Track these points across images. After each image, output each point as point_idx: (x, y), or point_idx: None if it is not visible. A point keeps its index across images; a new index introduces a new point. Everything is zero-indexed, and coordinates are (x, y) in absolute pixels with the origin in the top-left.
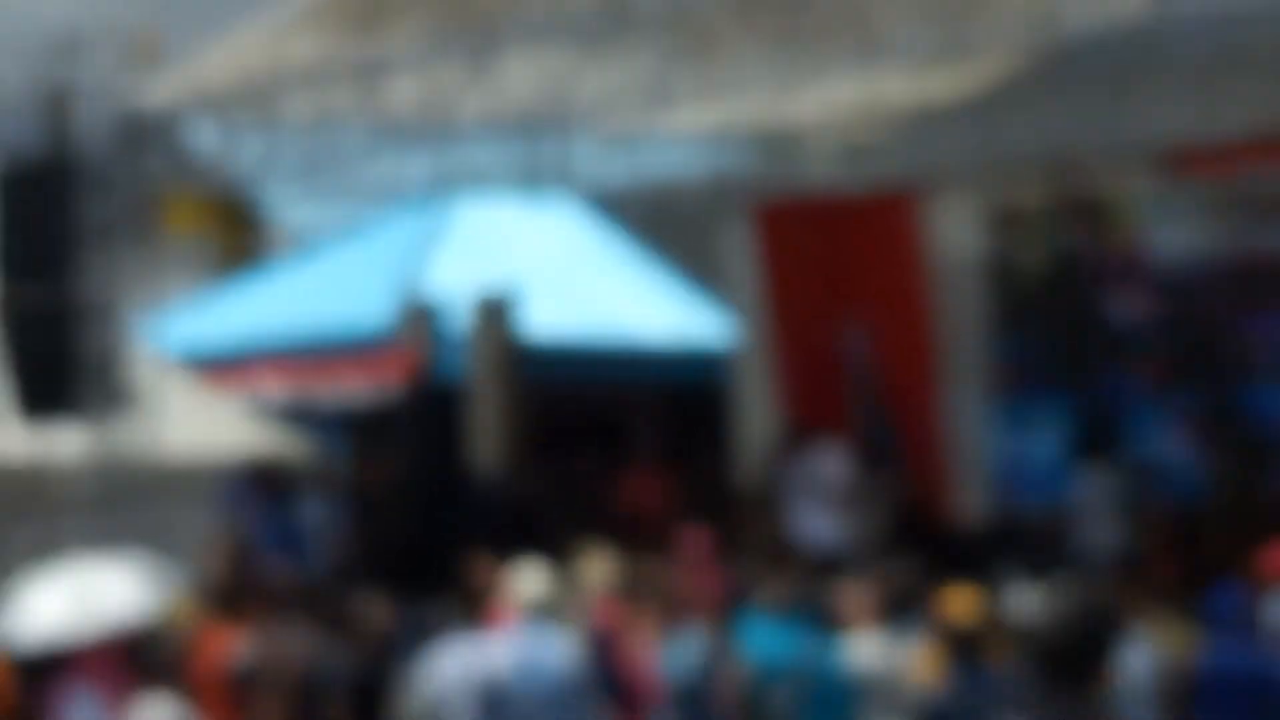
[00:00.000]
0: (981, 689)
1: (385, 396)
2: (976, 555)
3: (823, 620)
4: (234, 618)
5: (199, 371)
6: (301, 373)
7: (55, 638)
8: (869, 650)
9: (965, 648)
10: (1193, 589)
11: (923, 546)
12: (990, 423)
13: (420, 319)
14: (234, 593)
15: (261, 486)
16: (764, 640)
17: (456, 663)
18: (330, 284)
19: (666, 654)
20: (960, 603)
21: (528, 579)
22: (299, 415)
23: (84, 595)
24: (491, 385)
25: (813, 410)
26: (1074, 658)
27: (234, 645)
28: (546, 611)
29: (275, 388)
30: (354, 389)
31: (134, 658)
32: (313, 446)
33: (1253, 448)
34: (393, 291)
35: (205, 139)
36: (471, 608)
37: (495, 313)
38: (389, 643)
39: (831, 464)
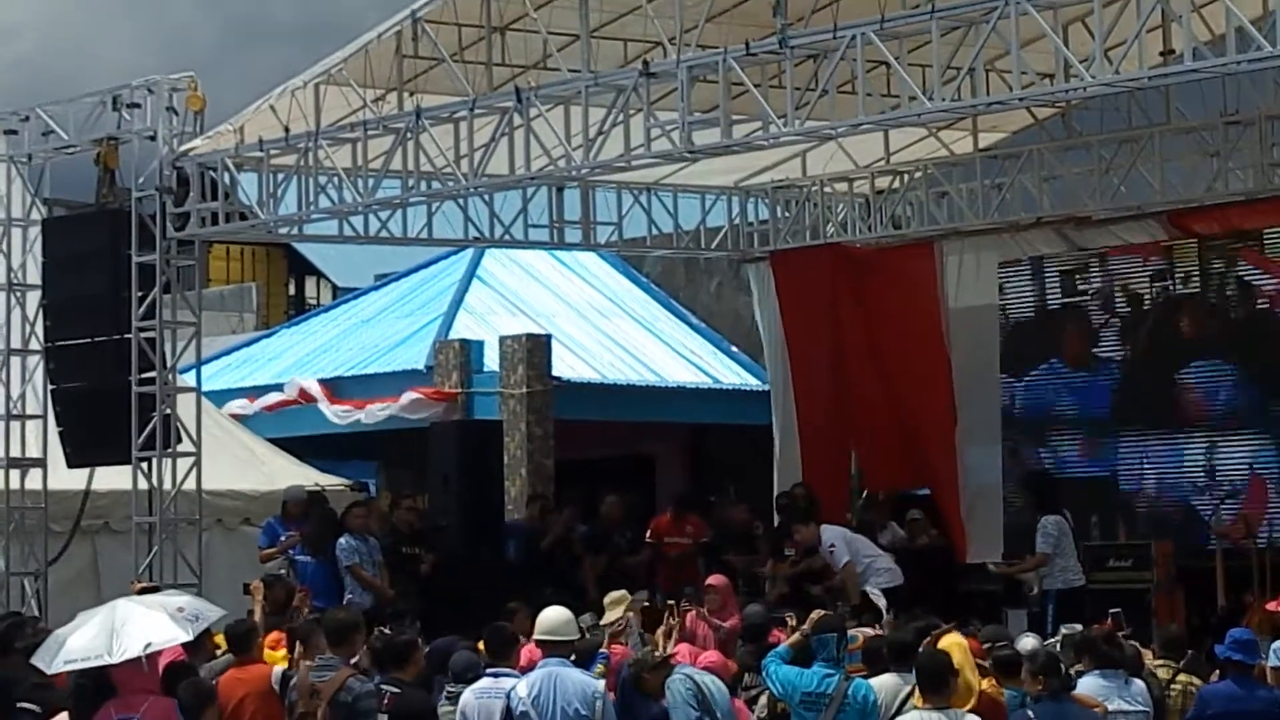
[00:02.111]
0: None
1: (418, 432)
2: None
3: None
4: (271, 652)
5: (242, 412)
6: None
7: (83, 661)
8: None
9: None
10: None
11: (944, 591)
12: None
13: (455, 358)
14: (272, 628)
15: (300, 524)
16: (786, 675)
17: (481, 699)
18: (368, 328)
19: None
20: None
21: (551, 619)
22: (334, 453)
23: (116, 623)
24: (523, 422)
25: (830, 456)
26: None
27: (269, 679)
28: (569, 650)
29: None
30: (392, 415)
31: (171, 687)
32: (348, 484)
33: None
34: (428, 334)
35: (248, 188)
36: (500, 646)
37: (526, 352)
38: (421, 677)
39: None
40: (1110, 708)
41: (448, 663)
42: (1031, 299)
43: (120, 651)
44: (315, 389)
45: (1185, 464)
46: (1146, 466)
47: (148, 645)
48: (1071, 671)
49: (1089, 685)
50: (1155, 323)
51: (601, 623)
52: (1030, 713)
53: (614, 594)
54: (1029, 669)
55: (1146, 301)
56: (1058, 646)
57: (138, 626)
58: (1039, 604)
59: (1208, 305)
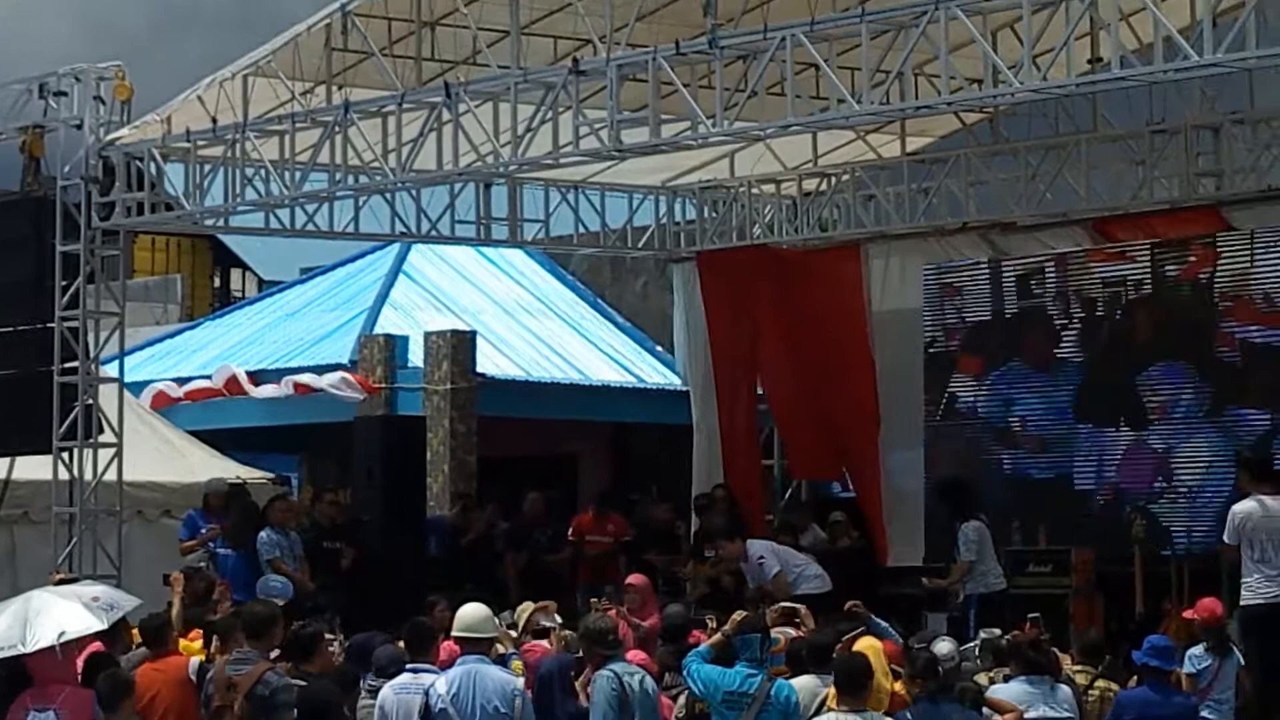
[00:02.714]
0: None
1: (341, 426)
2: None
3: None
4: (188, 644)
5: (165, 403)
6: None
7: (5, 652)
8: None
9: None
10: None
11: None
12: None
13: (379, 353)
14: (190, 619)
15: (221, 516)
16: (709, 675)
17: (400, 695)
18: (293, 321)
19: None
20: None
21: (470, 616)
22: (256, 446)
23: (29, 613)
24: (447, 418)
25: (750, 457)
26: None
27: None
28: (488, 647)
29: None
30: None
31: (90, 679)
32: (270, 477)
33: None
34: (353, 329)
35: (174, 179)
36: (419, 641)
37: (451, 348)
38: (338, 673)
39: None
40: (1034, 714)
41: (368, 657)
42: (988, 302)
43: (34, 641)
44: (243, 378)
45: (1143, 465)
46: (1105, 467)
47: (61, 634)
48: (990, 677)
49: (1014, 691)
50: (1111, 326)
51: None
52: (909, 714)
53: (521, 607)
54: (907, 671)
55: (1100, 306)
56: (976, 651)
57: (52, 616)
58: (961, 609)
59: (1162, 308)
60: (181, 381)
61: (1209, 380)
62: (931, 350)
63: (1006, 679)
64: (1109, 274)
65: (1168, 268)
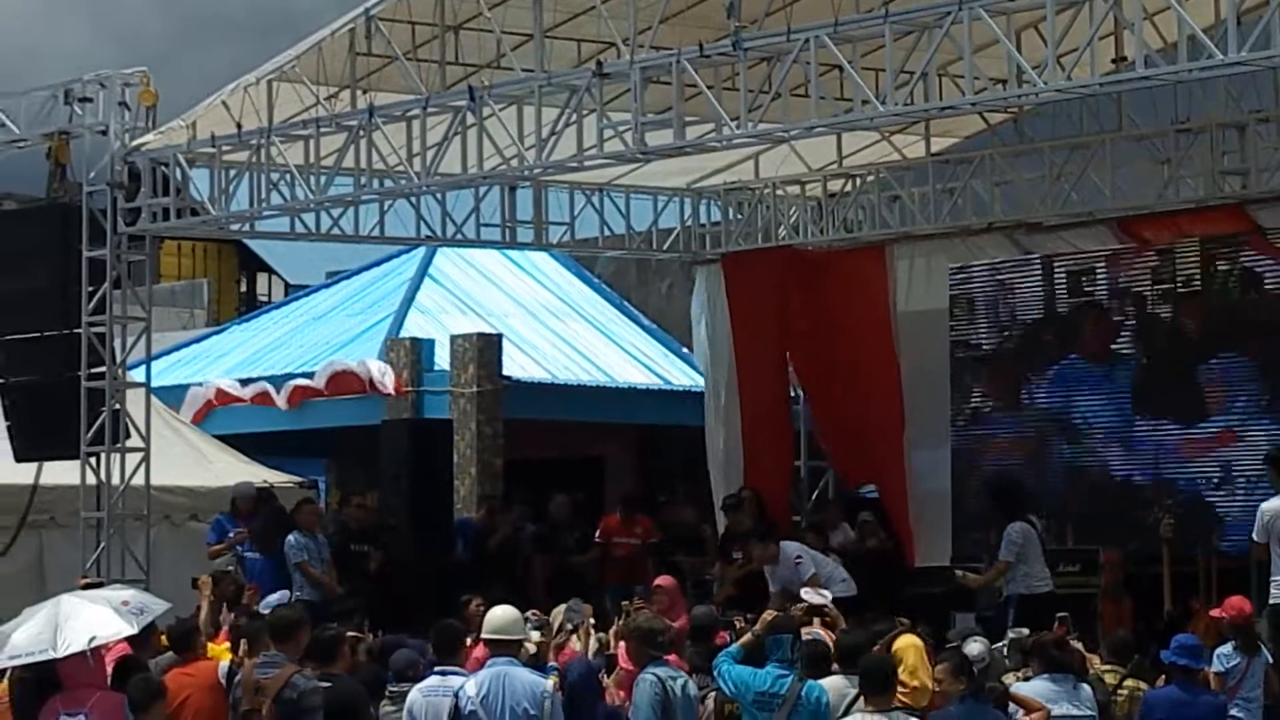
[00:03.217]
0: None
1: (369, 430)
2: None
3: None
4: (215, 646)
5: (191, 408)
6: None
7: (27, 656)
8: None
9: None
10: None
11: (893, 594)
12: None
13: (405, 357)
14: (218, 623)
15: (249, 520)
16: (740, 675)
17: (429, 697)
18: (320, 325)
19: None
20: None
21: (499, 618)
22: (283, 450)
23: (60, 618)
24: (473, 421)
25: (774, 458)
26: None
27: (216, 674)
28: (517, 649)
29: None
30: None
31: (120, 683)
32: (297, 481)
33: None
34: (379, 332)
35: (199, 184)
36: (447, 644)
37: (477, 351)
38: (368, 675)
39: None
40: (1057, 712)
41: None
42: (1040, 299)
43: (64, 646)
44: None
45: (1200, 458)
46: (1161, 461)
47: (92, 639)
48: (1017, 676)
49: (1037, 689)
50: (1165, 321)
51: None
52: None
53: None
54: (947, 670)
55: (1150, 302)
56: (1004, 650)
57: (82, 620)
58: (998, 608)
59: (1215, 303)
60: (245, 383)
61: (1267, 374)
62: (985, 347)
63: (1026, 678)
64: (1160, 270)
65: (1218, 264)
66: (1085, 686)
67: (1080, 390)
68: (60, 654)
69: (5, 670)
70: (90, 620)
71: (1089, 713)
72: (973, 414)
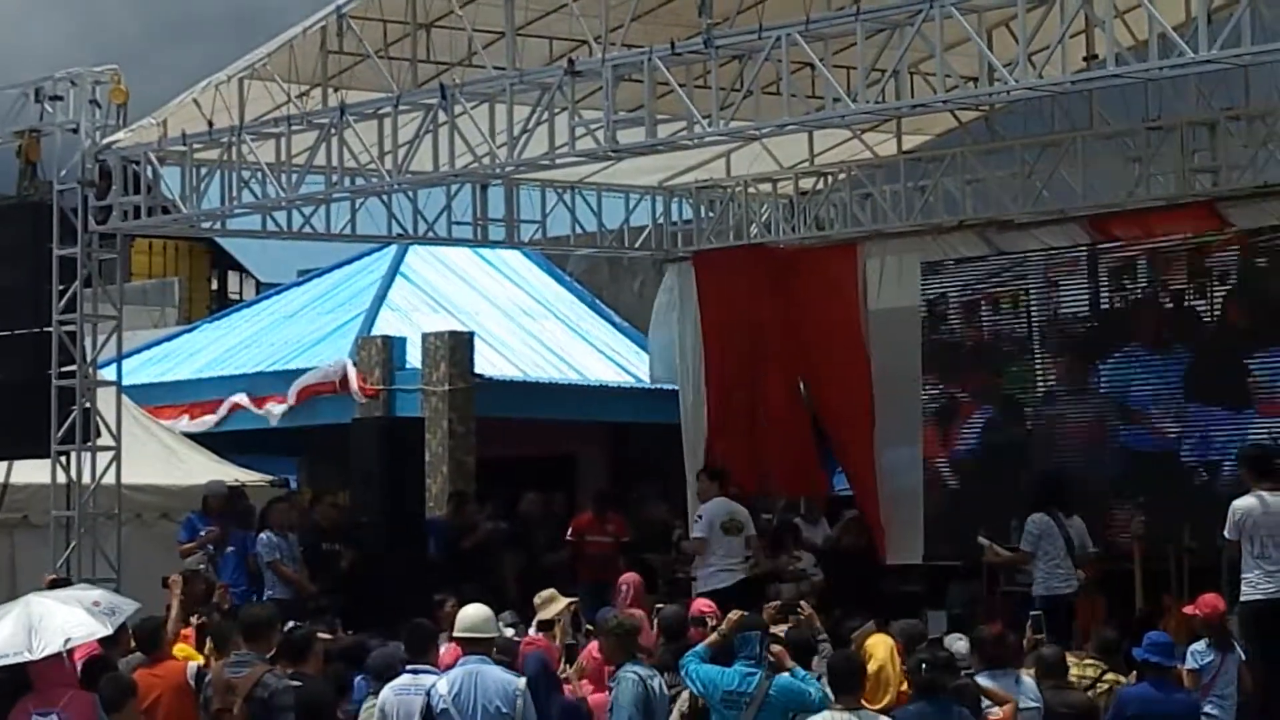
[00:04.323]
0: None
1: (340, 428)
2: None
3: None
4: (182, 646)
5: (162, 407)
6: (263, 404)
7: (2, 658)
8: None
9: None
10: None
11: (862, 591)
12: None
13: (377, 355)
14: (189, 622)
15: (218, 519)
16: (708, 674)
17: (400, 696)
18: (291, 323)
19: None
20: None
21: (472, 616)
22: (254, 449)
23: (33, 619)
24: (445, 419)
25: (744, 456)
26: None
27: (185, 675)
28: (490, 648)
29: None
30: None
31: (90, 682)
32: (269, 480)
33: None
34: (351, 330)
35: (171, 182)
36: (419, 643)
37: (449, 349)
38: (338, 674)
39: None
40: None
41: (360, 658)
42: (1086, 295)
43: (41, 648)
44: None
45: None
46: (1210, 445)
47: (67, 640)
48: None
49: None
50: (1211, 313)
51: (540, 617)
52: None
53: (547, 592)
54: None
55: (1195, 294)
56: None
57: (56, 621)
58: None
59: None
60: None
61: None
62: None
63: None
64: (1203, 263)
65: (1258, 260)
66: (1027, 679)
67: (1140, 376)
68: (36, 656)
69: None
70: (65, 621)
71: (1033, 704)
72: (1047, 394)
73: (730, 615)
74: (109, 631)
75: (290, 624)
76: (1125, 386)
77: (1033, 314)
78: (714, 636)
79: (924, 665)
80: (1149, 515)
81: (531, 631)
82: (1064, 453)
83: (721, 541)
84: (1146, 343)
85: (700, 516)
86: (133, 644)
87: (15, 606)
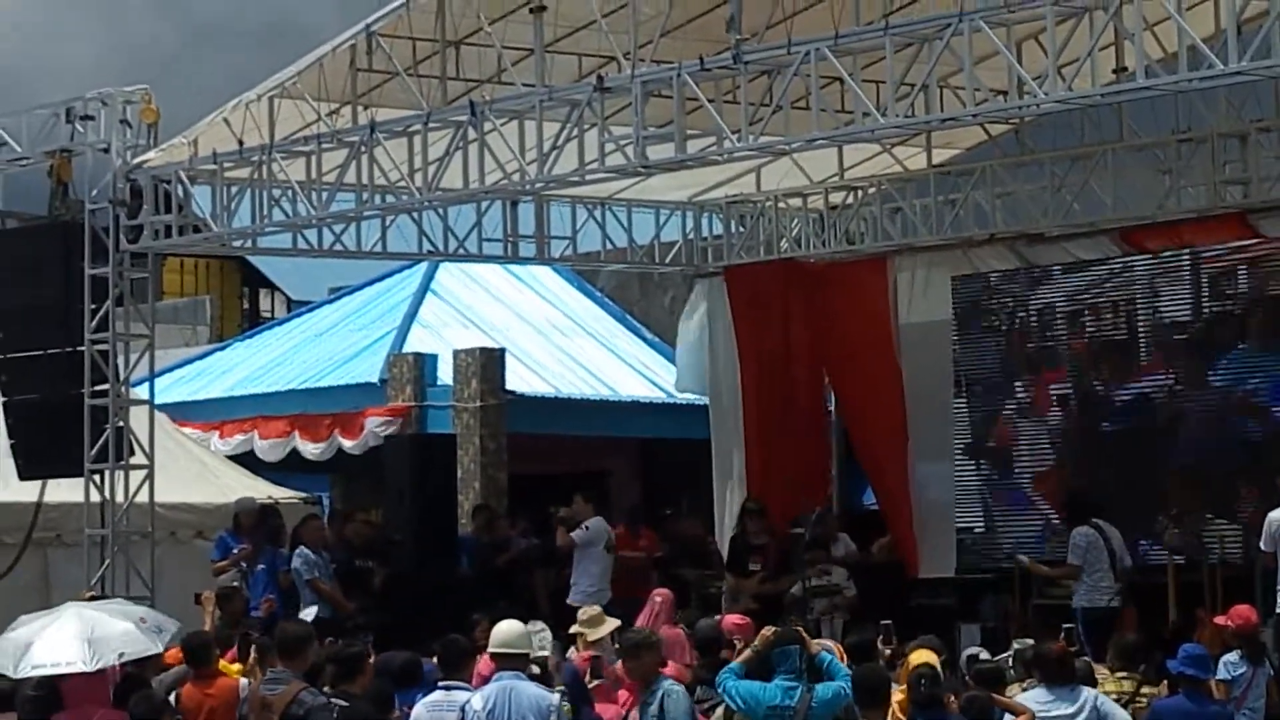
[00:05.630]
0: None
1: (371, 446)
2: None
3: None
4: (227, 665)
5: (194, 426)
6: (296, 427)
7: (53, 667)
8: None
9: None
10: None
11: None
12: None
13: (408, 372)
14: (224, 640)
15: (250, 536)
16: (749, 690)
17: (434, 712)
18: (322, 341)
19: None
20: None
21: (506, 632)
22: (288, 467)
23: (86, 631)
24: (476, 436)
25: (782, 466)
26: None
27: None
28: (524, 663)
29: (268, 441)
30: (346, 441)
31: (121, 700)
32: (302, 497)
33: None
34: (382, 348)
35: (201, 201)
36: (453, 658)
37: (480, 366)
38: (374, 690)
39: None
40: (1055, 711)
41: (401, 675)
42: (1189, 300)
43: (96, 660)
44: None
45: None
46: None
47: (121, 655)
48: (1023, 687)
49: (1032, 695)
50: None
51: (590, 637)
52: None
53: (595, 610)
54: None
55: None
56: (1010, 661)
57: (112, 634)
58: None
59: None
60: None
61: None
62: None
63: (1025, 689)
64: None
65: None
66: (1085, 690)
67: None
68: (91, 668)
69: None
70: (119, 638)
71: (1086, 717)
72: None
73: (764, 631)
74: (159, 650)
75: (328, 641)
76: (1240, 382)
77: (1137, 320)
78: (748, 653)
79: (922, 681)
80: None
81: (572, 651)
82: (1187, 445)
83: None
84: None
85: None
86: (168, 661)
87: (62, 614)
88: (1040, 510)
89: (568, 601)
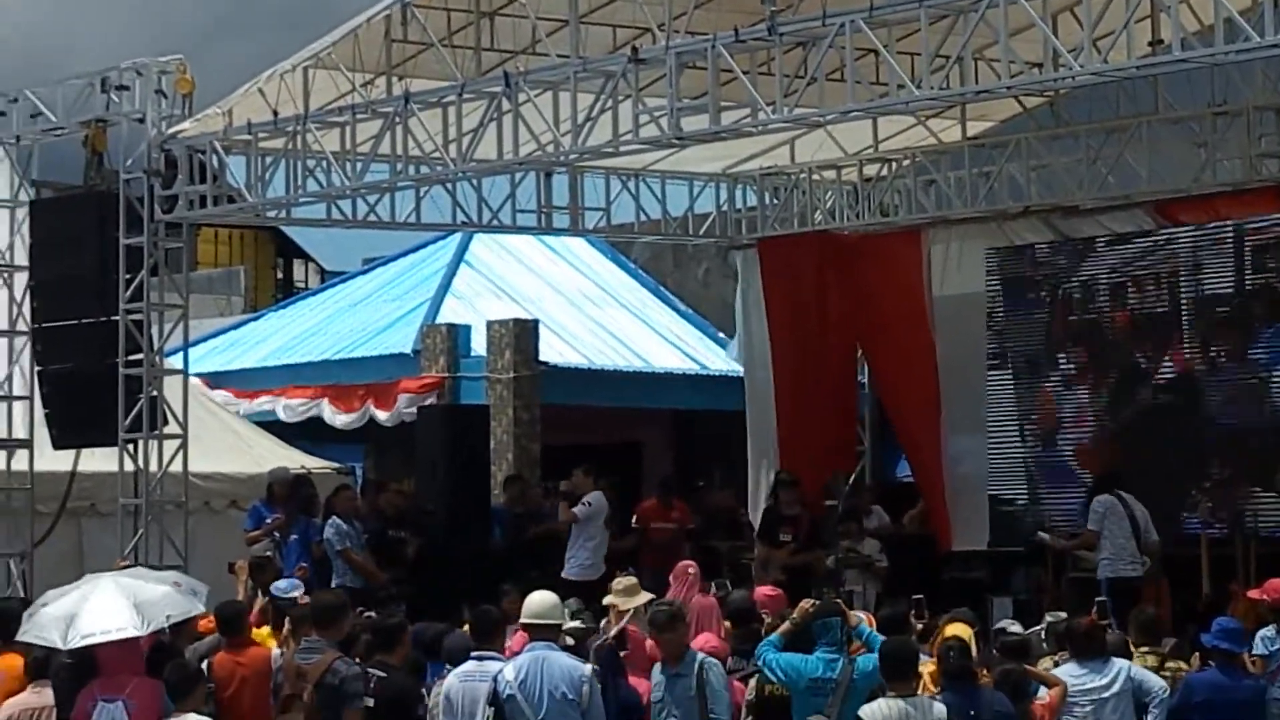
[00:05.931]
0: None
1: (404, 418)
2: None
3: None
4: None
5: (228, 395)
6: (328, 396)
7: (103, 635)
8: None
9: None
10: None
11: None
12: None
13: (442, 343)
14: (257, 610)
15: (284, 506)
16: (790, 662)
17: (466, 683)
18: (356, 311)
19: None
20: (956, 631)
21: (538, 603)
22: (321, 437)
23: (130, 597)
24: (510, 407)
25: (814, 438)
26: None
27: (269, 661)
28: (556, 634)
29: (301, 410)
30: (380, 412)
31: (154, 669)
32: (335, 467)
33: None
34: (415, 318)
35: (236, 171)
36: (486, 629)
37: (514, 337)
38: (407, 661)
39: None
40: (1088, 685)
41: (430, 645)
42: (1231, 274)
43: (147, 624)
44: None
45: None
46: None
47: (169, 617)
48: (1055, 660)
49: (1065, 670)
50: None
51: (623, 607)
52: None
53: (629, 580)
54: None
55: None
56: (1042, 634)
57: (155, 599)
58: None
59: None
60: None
61: None
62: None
63: (1057, 664)
64: None
65: None
66: (1118, 662)
67: None
68: (144, 632)
69: None
70: (164, 599)
71: (1119, 689)
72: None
73: (803, 604)
74: (202, 610)
75: (359, 611)
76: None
77: (1180, 293)
78: (785, 625)
79: (951, 653)
80: None
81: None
82: (1227, 419)
83: None
84: None
85: None
86: (201, 629)
87: (98, 584)
88: (1084, 483)
89: (563, 575)
